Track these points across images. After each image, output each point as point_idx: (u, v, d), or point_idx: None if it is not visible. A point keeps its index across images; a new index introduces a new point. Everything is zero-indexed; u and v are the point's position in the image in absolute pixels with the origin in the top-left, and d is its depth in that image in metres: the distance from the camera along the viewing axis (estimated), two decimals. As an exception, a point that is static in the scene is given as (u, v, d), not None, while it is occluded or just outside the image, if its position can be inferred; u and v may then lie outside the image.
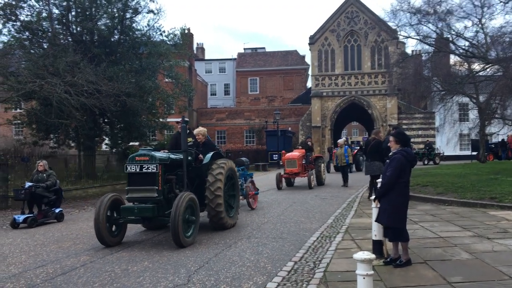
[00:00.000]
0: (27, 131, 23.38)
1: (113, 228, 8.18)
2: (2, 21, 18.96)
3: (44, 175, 11.59)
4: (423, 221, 9.37)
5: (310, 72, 49.20)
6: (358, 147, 34.39)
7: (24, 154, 20.36)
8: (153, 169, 7.80)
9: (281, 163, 24.33)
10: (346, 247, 7.29)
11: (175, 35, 23.01)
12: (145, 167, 7.82)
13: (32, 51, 19.84)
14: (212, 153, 9.39)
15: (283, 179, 18.58)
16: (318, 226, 9.36)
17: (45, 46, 20.31)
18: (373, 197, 6.45)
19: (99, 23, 20.80)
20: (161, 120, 23.42)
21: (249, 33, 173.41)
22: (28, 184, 11.20)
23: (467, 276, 5.46)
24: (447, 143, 39.20)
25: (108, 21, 20.81)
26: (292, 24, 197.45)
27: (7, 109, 21.03)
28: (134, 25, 21.61)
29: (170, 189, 8.36)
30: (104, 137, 23.24)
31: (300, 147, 20.43)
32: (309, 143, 19.76)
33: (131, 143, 23.61)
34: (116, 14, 20.58)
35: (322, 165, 19.54)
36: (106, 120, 21.95)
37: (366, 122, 49.97)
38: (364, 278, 3.54)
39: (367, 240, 7.49)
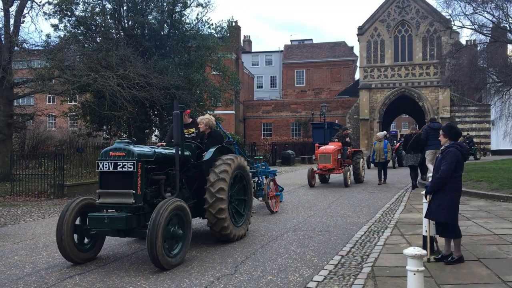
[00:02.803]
0: (81, 123, 24.30)
1: (85, 240, 6.49)
2: (58, 17, 19.82)
3: None
4: (476, 218, 9.04)
5: (358, 64, 48.37)
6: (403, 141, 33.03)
7: (79, 145, 21.27)
8: (130, 167, 6.02)
9: (313, 158, 22.12)
10: (395, 242, 7.15)
11: (222, 27, 23.20)
12: (120, 165, 6.06)
13: (86, 45, 20.59)
14: (216, 147, 7.55)
15: (316, 176, 16.62)
16: (366, 221, 9.23)
17: (98, 40, 21.02)
18: (423, 192, 6.26)
19: (149, 17, 21.32)
20: (208, 112, 23.74)
21: (290, 24, 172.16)
22: None
23: (524, 276, 5.24)
24: (503, 137, 37.56)
25: (158, 15, 21.27)
26: (336, 15, 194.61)
27: (62, 101, 22.02)
28: (183, 18, 21.94)
29: (156, 192, 6.60)
30: (154, 129, 23.83)
31: (336, 139, 17.47)
32: (347, 135, 17.66)
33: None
34: (166, 8, 21.00)
35: (361, 160, 17.30)
36: (155, 113, 22.49)
37: (416, 115, 48.65)
38: (414, 274, 3.47)
39: (416, 236, 7.32)
